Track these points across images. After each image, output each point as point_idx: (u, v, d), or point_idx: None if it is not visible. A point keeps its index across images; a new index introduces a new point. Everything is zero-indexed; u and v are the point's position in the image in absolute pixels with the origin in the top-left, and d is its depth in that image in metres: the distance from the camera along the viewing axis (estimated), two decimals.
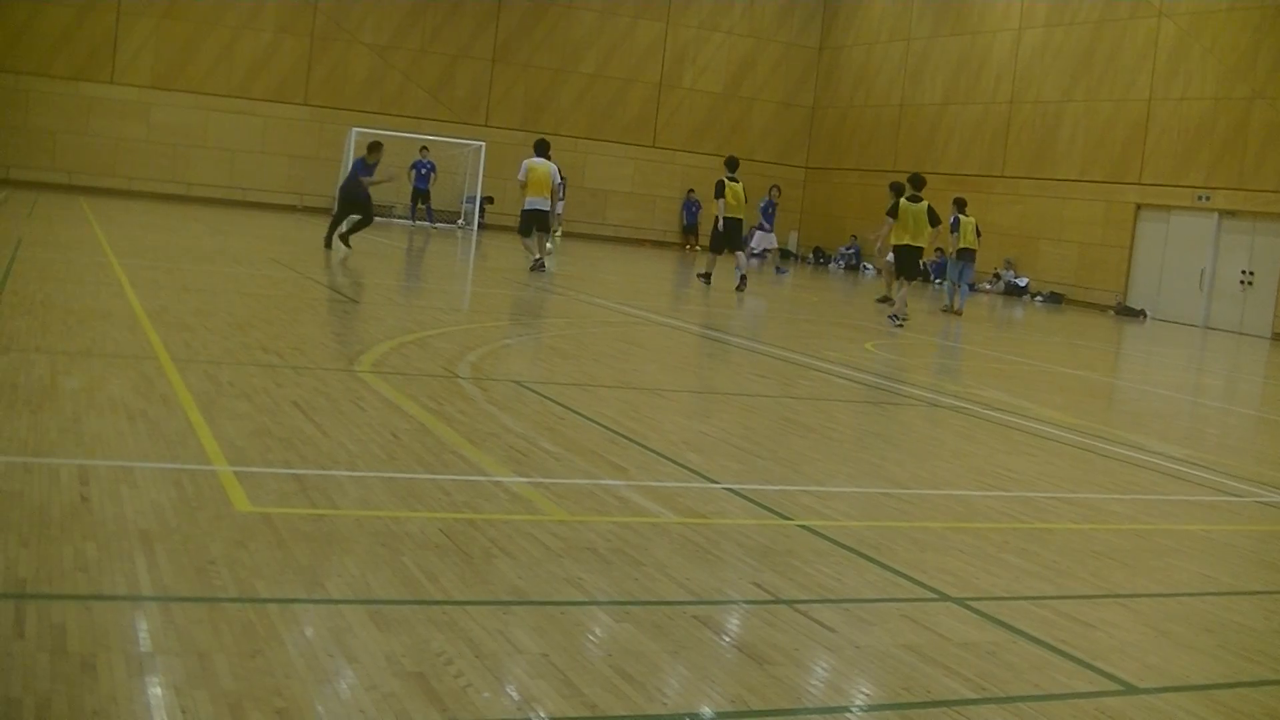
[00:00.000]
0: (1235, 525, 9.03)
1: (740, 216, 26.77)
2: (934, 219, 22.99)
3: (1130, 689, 5.10)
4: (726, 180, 26.50)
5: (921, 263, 25.48)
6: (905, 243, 22.96)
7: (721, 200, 26.41)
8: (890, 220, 23.11)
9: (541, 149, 25.87)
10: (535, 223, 25.37)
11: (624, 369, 13.30)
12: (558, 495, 7.25)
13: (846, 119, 47.49)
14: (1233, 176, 34.70)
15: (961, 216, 28.89)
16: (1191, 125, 35.85)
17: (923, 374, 16.48)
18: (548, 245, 27.17)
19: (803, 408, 12.21)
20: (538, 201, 25.39)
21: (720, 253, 26.82)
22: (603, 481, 7.65)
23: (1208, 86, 35.47)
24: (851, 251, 44.74)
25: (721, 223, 26.41)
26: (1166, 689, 5.15)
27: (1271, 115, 33.77)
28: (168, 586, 5.06)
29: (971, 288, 32.11)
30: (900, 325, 21.56)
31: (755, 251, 35.86)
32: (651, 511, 7.06)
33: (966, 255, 28.52)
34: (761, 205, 36.00)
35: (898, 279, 23.58)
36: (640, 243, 44.41)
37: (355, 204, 25.39)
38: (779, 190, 37.22)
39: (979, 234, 29.56)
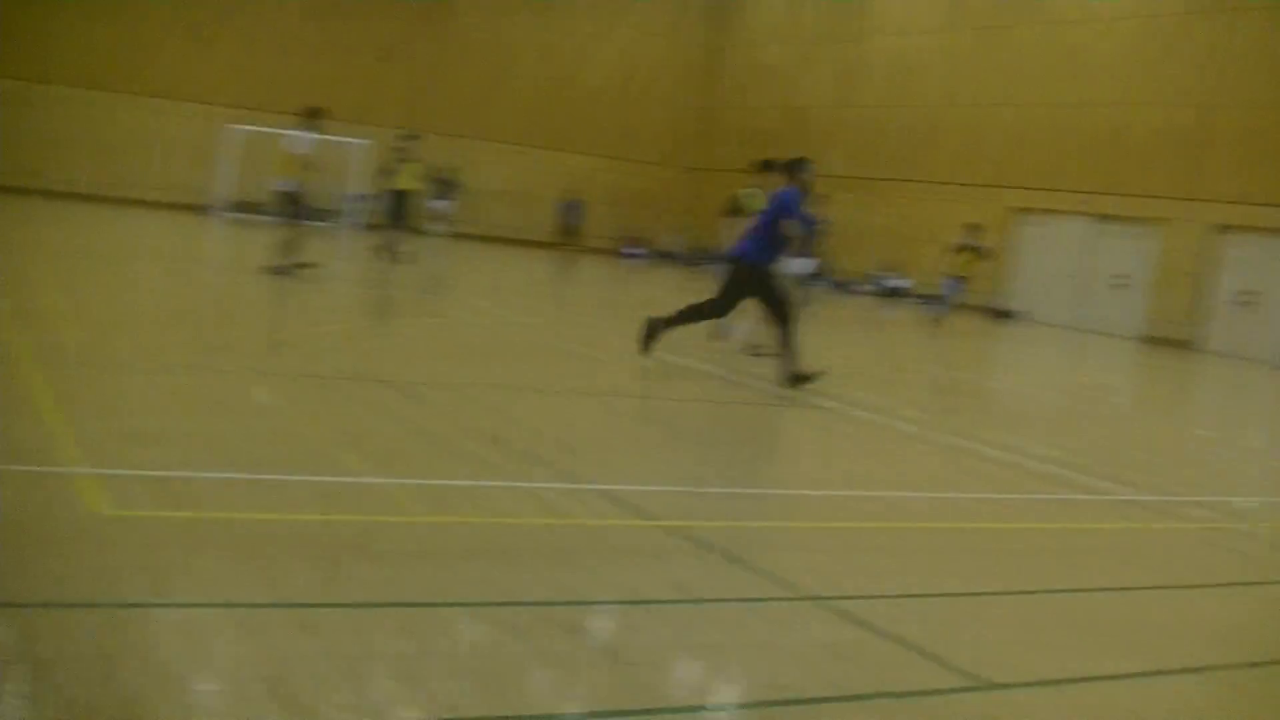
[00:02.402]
0: (1099, 523, 9.18)
1: None
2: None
3: (989, 685, 5.16)
4: None
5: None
6: None
7: None
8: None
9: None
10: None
11: (497, 368, 13.25)
12: (431, 496, 7.21)
13: (734, 121, 47.63)
14: (1111, 181, 35.25)
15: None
16: (1070, 130, 36.37)
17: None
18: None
19: (677, 409, 12.26)
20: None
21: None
22: (467, 482, 7.62)
23: (1089, 92, 36.00)
24: None
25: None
26: (1024, 684, 5.23)
27: (1153, 121, 34.34)
28: (14, 593, 4.95)
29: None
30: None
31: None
32: (517, 512, 7.05)
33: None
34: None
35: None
36: (522, 243, 44.20)
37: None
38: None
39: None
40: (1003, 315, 36.84)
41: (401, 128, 31.94)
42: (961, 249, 29.07)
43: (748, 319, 15.69)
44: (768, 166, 15.68)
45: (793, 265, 27.02)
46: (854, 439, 11.62)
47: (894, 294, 39.61)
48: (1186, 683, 5.57)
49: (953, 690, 5.07)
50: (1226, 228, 32.93)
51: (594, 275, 35.18)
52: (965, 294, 28.92)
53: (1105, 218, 35.46)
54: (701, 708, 4.64)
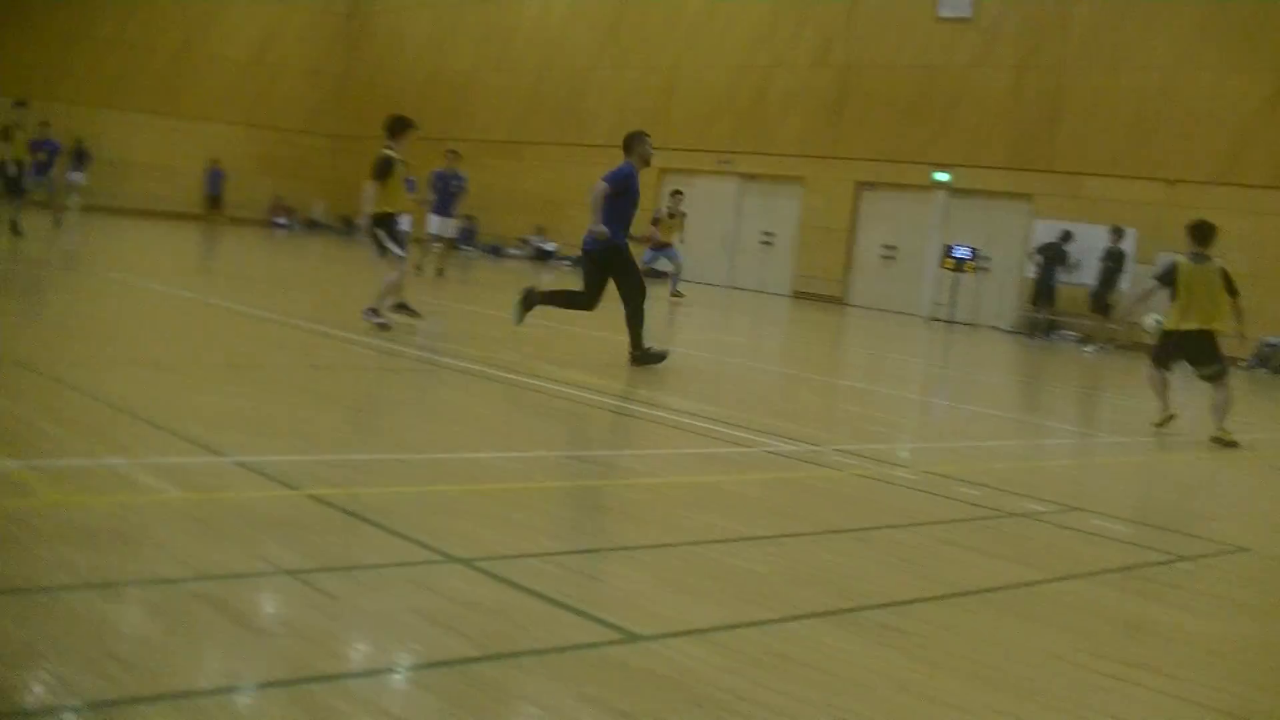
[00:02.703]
0: (744, 474, 9.36)
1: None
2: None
3: (633, 637, 5.19)
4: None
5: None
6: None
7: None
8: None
9: None
10: None
11: (134, 344, 12.85)
12: (53, 477, 6.91)
13: (376, 86, 47.15)
14: (753, 141, 36.06)
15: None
16: (714, 92, 37.05)
17: (442, 340, 16.52)
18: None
19: (320, 377, 12.07)
20: None
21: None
22: (104, 460, 7.34)
23: (730, 55, 36.70)
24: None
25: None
26: (669, 634, 5.27)
27: (789, 83, 35.21)
28: None
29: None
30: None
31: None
32: (154, 489, 6.82)
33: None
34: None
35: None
36: (165, 215, 42.93)
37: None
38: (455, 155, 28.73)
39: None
40: (654, 275, 37.32)
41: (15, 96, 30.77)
42: (672, 215, 28.75)
43: (394, 273, 15.43)
44: (399, 126, 15.42)
45: (431, 225, 26.97)
46: (501, 402, 11.62)
47: (545, 257, 39.82)
48: (828, 624, 5.71)
49: (602, 644, 5.09)
50: (866, 185, 34.04)
51: (240, 246, 34.42)
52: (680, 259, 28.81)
53: (750, 177, 36.29)
54: (345, 675, 4.55)
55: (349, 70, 48.29)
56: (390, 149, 15.63)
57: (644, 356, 14.63)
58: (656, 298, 25.55)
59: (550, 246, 40.05)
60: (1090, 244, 29.10)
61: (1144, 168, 29.14)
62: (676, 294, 28.19)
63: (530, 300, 15.31)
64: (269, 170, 45.69)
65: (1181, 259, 14.40)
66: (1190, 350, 14.40)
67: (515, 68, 42.89)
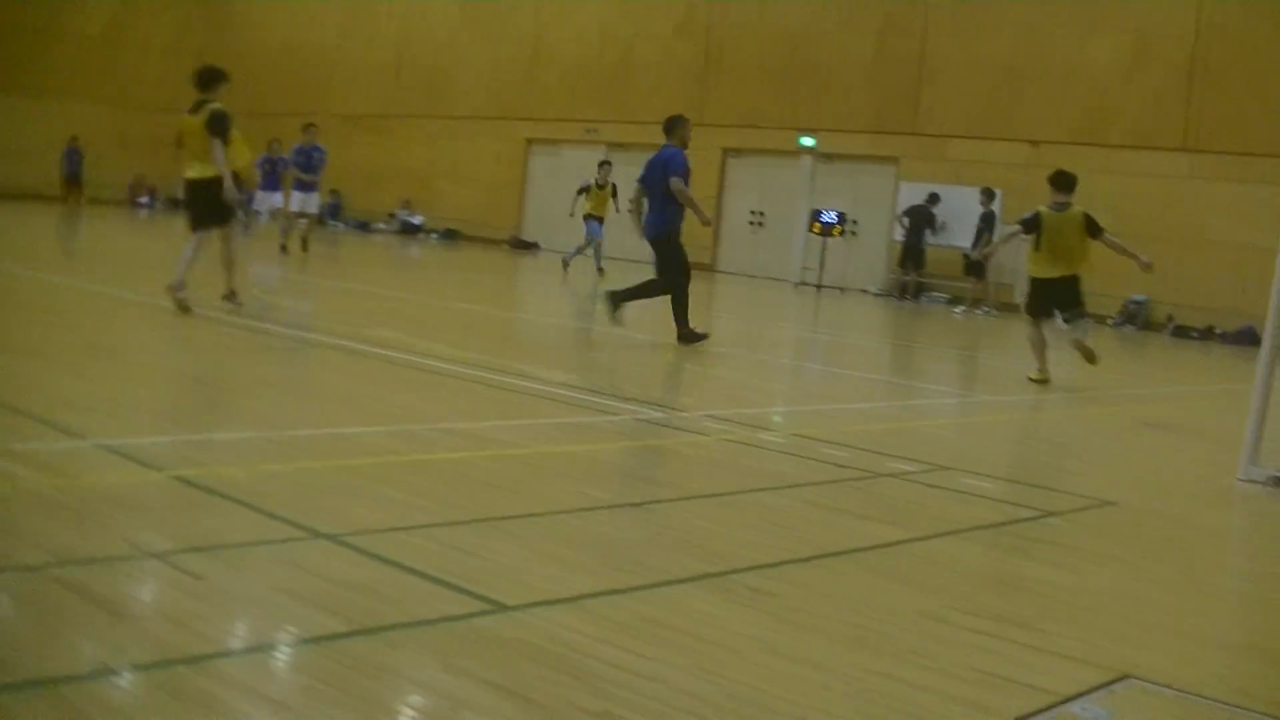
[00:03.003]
0: (613, 443, 9.39)
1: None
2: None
3: (503, 607, 5.19)
4: None
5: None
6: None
7: None
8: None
9: None
10: None
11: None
12: None
13: (238, 62, 46.48)
14: (619, 110, 36.04)
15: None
16: (579, 62, 36.98)
17: (312, 317, 16.38)
18: None
19: (187, 358, 11.92)
20: None
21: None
22: None
23: (594, 23, 36.64)
24: (246, 198, 43.81)
25: None
26: (539, 604, 5.27)
27: (654, 51, 35.22)
28: None
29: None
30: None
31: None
32: (15, 475, 6.68)
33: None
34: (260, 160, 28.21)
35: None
36: (20, 196, 41.99)
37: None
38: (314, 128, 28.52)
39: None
40: (522, 246, 37.30)
41: None
42: (601, 186, 28.31)
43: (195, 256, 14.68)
44: (217, 77, 14.53)
45: (293, 201, 26.82)
46: (370, 377, 11.54)
47: (412, 231, 39.60)
48: (697, 589, 5.73)
49: (472, 615, 5.08)
50: (733, 151, 34.16)
51: (100, 226, 33.86)
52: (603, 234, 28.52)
53: (618, 146, 36.27)
54: (220, 655, 4.50)
55: (209, 46, 47.52)
56: (213, 102, 14.43)
57: (690, 335, 15.52)
58: (753, 297, 25.54)
59: (418, 220, 39.82)
60: (957, 206, 29.44)
61: (1008, 129, 29.52)
62: (599, 269, 28.15)
63: (618, 299, 15.91)
64: (129, 149, 44.88)
65: (1044, 208, 15.03)
66: (1059, 296, 15.09)
67: (378, 42, 42.54)
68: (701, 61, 34.56)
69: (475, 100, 39.61)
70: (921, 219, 29.86)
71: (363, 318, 15.49)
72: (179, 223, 16.10)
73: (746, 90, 33.68)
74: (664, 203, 15.87)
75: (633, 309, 16.37)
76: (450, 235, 38.85)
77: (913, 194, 30.23)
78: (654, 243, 16.03)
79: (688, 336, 15.51)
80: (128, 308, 14.83)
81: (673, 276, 15.69)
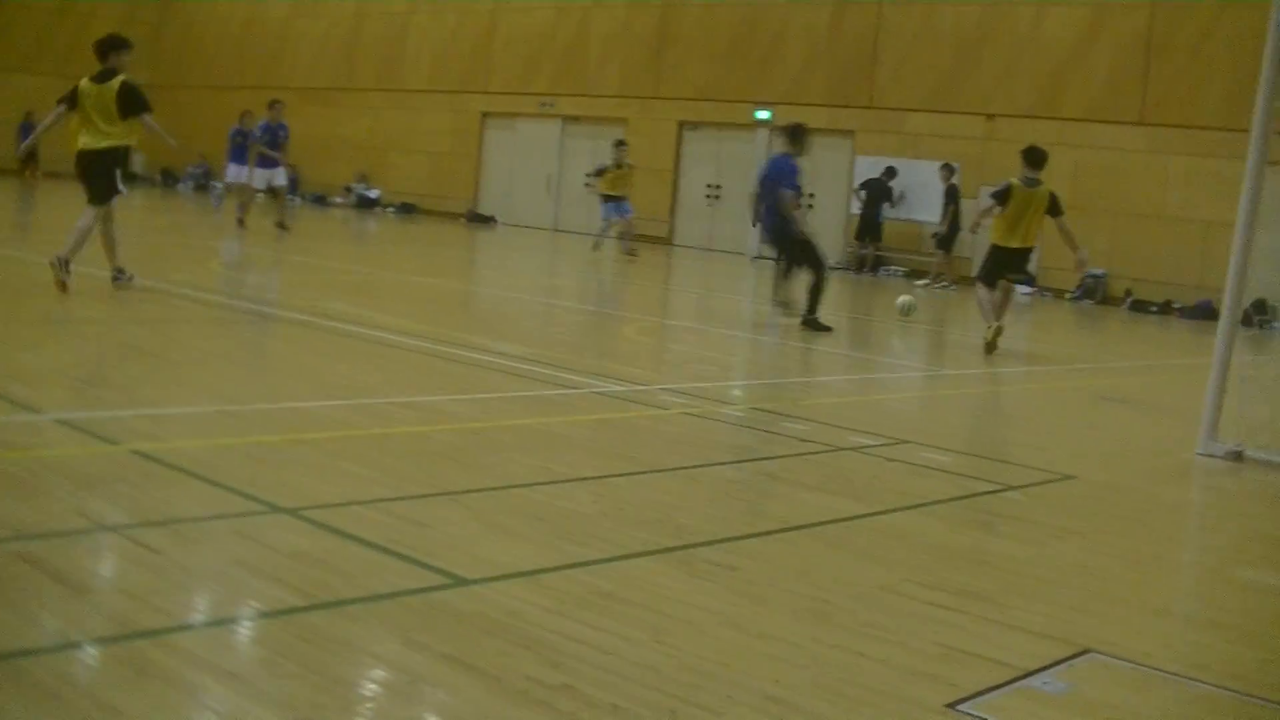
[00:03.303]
0: (571, 416, 9.36)
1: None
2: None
3: (460, 581, 5.18)
4: None
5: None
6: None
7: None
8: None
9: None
10: None
11: None
12: None
13: (191, 34, 46.25)
14: (575, 83, 35.94)
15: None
16: (534, 35, 36.84)
17: (268, 291, 16.30)
18: None
19: (142, 331, 11.84)
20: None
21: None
22: None
23: None
24: (201, 170, 43.64)
25: None
26: (496, 578, 5.26)
27: (609, 24, 35.12)
28: None
29: None
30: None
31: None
32: None
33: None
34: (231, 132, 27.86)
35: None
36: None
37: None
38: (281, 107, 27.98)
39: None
40: (479, 220, 37.22)
41: None
42: (619, 167, 27.82)
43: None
44: (112, 44, 13.88)
45: (258, 177, 26.57)
46: (327, 351, 11.50)
47: (369, 204, 39.44)
48: (656, 563, 5.73)
49: (424, 589, 5.06)
50: (689, 124, 34.11)
51: (56, 201, 33.54)
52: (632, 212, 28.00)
53: (573, 119, 36.19)
54: (169, 630, 4.47)
55: (164, 19, 47.24)
56: (120, 73, 13.72)
57: (815, 324, 16.15)
58: (711, 270, 25.56)
59: (374, 194, 39.66)
60: (913, 179, 29.48)
61: (964, 102, 29.55)
62: (631, 251, 27.80)
63: (811, 322, 16.32)
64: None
65: (1015, 181, 15.78)
66: (1013, 264, 15.99)
67: (332, 14, 42.28)
68: (657, 34, 34.50)
69: (429, 73, 39.45)
70: (879, 192, 29.88)
71: (320, 292, 15.42)
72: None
73: (702, 63, 33.64)
74: (772, 204, 16.69)
75: (589, 282, 16.29)
76: (407, 209, 38.74)
77: (869, 168, 30.25)
78: (783, 243, 16.88)
79: (813, 324, 16.22)
80: (80, 280, 14.71)
81: (818, 267, 16.53)
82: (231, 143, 27.37)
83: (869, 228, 30.27)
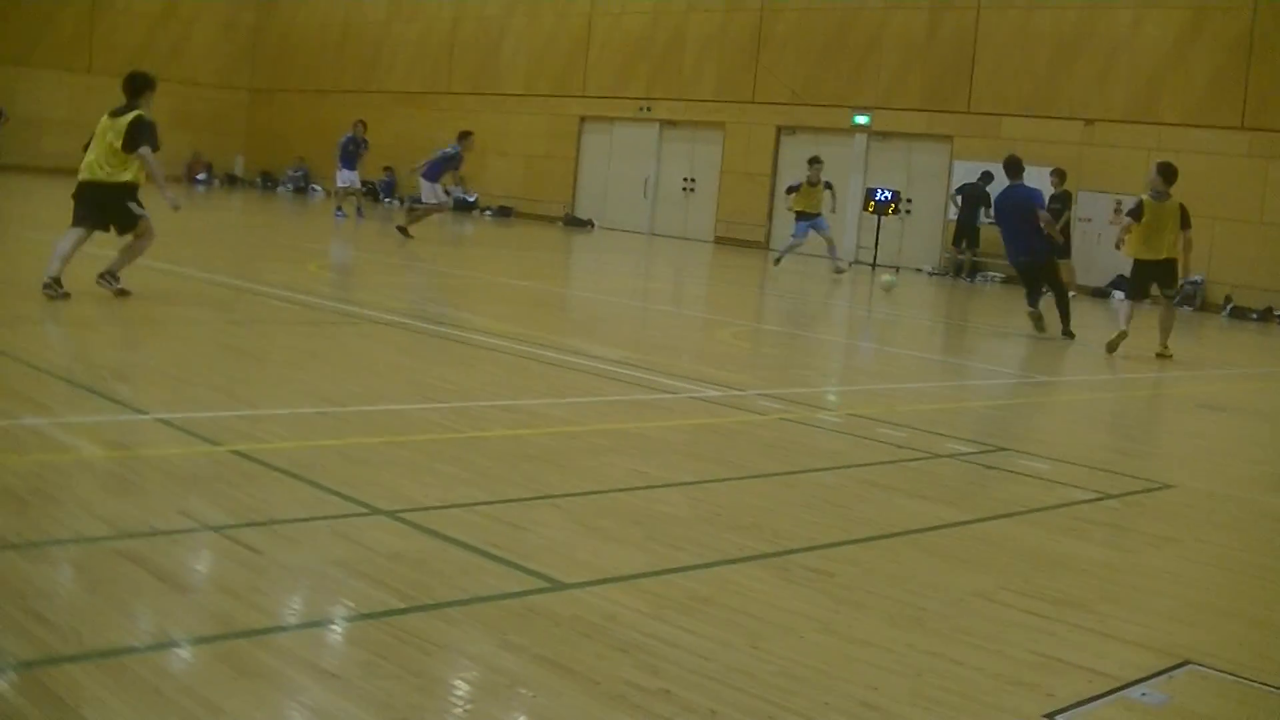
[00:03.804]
0: (668, 421, 9.36)
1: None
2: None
3: (557, 585, 5.20)
4: None
5: None
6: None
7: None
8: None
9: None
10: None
11: (52, 303, 12.67)
12: None
13: (289, 39, 46.70)
14: (671, 87, 35.94)
15: None
16: (631, 38, 36.87)
17: (367, 293, 16.41)
18: None
19: (241, 332, 11.98)
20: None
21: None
22: (23, 420, 7.25)
23: (645, 0, 36.53)
24: (300, 174, 44.09)
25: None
26: (593, 582, 5.28)
27: (705, 27, 35.09)
28: None
29: None
30: None
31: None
32: (74, 447, 6.76)
33: None
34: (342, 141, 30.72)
35: None
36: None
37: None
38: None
39: None
40: (576, 223, 37.31)
41: None
42: (813, 185, 26.99)
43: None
44: (140, 84, 13.70)
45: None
46: (424, 353, 11.57)
47: (467, 208, 39.62)
48: (753, 568, 5.73)
49: (523, 593, 5.09)
50: (787, 129, 34.00)
51: (158, 203, 34.00)
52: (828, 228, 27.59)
53: (670, 123, 36.19)
54: (277, 629, 4.53)
55: (262, 23, 47.73)
56: (138, 109, 13.47)
57: (1070, 333, 17.60)
58: (808, 274, 25.54)
59: (471, 198, 39.85)
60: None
61: (1061, 107, 29.26)
62: (838, 269, 27.60)
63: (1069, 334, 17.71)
64: (185, 126, 44.96)
65: (1146, 196, 16.33)
66: (1160, 276, 16.46)
67: (429, 18, 42.51)
68: (754, 38, 34.41)
69: (525, 76, 39.57)
70: (976, 198, 29.64)
71: (417, 294, 15.51)
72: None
73: (799, 67, 33.51)
74: (1033, 233, 17.75)
75: (687, 286, 16.27)
76: (504, 212, 38.89)
77: (967, 172, 30.01)
78: (1036, 267, 17.93)
79: (1071, 334, 17.68)
80: (175, 280, 14.90)
81: (1063, 286, 18.16)
82: (343, 150, 29.31)
83: (966, 233, 30.02)
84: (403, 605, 4.80)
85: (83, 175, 13.23)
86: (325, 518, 5.87)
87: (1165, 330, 16.38)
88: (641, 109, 36.61)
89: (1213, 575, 6.52)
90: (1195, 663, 5.01)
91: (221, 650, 4.27)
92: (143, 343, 10.70)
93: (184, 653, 4.25)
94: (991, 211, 29.52)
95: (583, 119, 38.18)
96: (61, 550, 5.17)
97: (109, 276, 13.09)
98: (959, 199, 29.90)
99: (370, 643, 4.46)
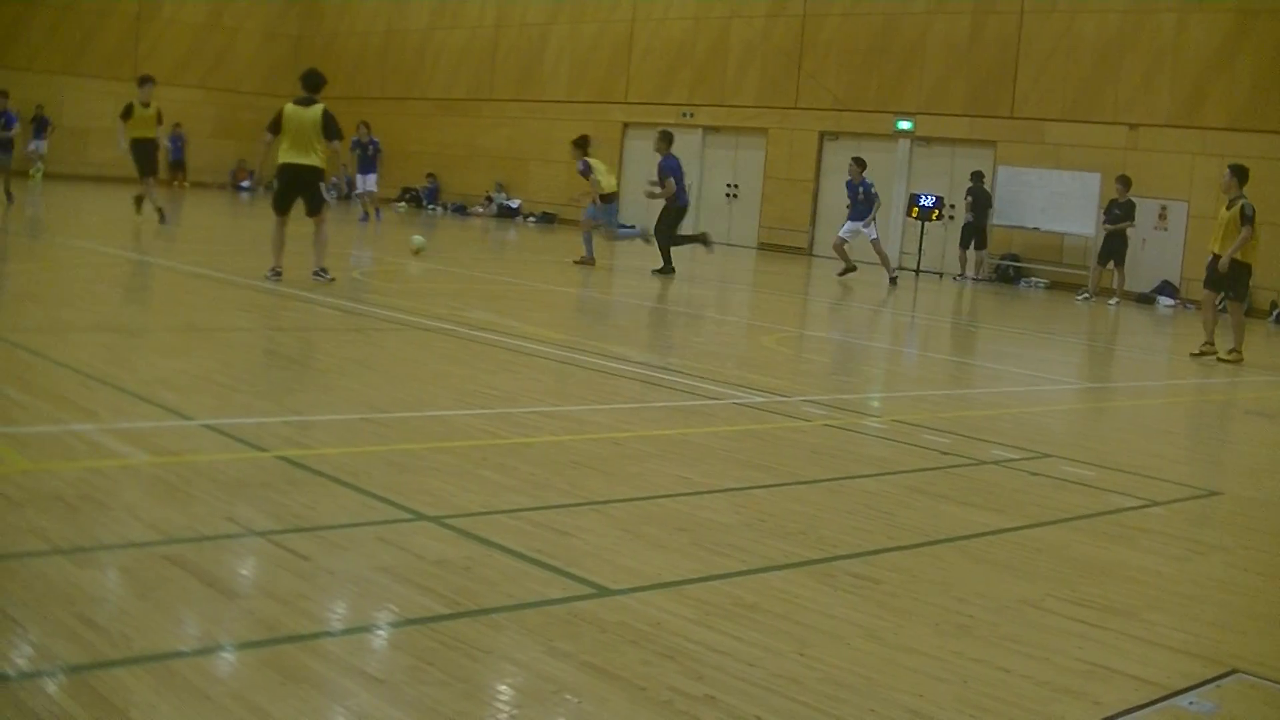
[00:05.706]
0: (711, 427, 9.36)
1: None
2: (331, 131, 15.78)
3: (603, 591, 5.21)
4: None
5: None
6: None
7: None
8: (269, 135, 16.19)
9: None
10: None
11: (100, 311, 12.77)
12: (21, 444, 6.88)
13: (332, 47, 46.87)
14: (713, 93, 35.92)
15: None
16: (673, 45, 36.88)
17: (408, 299, 16.44)
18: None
19: (285, 339, 12.03)
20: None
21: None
22: (71, 427, 7.30)
23: (687, 6, 36.52)
24: (346, 181, 44.15)
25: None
26: (639, 588, 5.29)
27: (748, 33, 35.06)
28: None
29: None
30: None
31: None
32: (122, 454, 6.80)
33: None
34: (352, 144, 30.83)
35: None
36: (125, 181, 42.28)
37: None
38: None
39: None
40: (622, 229, 37.27)
41: None
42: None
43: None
44: (318, 81, 16.06)
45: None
46: (467, 359, 11.59)
47: (510, 214, 39.69)
48: (798, 575, 5.72)
49: (569, 599, 5.10)
50: (830, 134, 33.94)
51: (203, 210, 34.22)
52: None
53: (713, 129, 36.17)
54: (316, 635, 4.54)
55: (305, 32, 47.93)
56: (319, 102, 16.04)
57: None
58: (857, 280, 25.55)
59: (515, 204, 39.92)
60: (1055, 190, 29.06)
61: (1105, 112, 29.11)
62: (892, 279, 27.50)
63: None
64: (229, 134, 45.23)
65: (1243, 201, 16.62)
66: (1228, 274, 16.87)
67: (471, 25, 42.61)
68: (796, 44, 34.37)
69: (568, 83, 39.63)
70: (984, 198, 29.62)
71: (461, 300, 15.52)
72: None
73: (841, 73, 33.45)
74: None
75: (729, 291, 16.22)
76: (547, 219, 38.95)
77: (1010, 178, 29.90)
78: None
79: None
80: (223, 288, 14.97)
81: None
82: (355, 154, 30.03)
83: (973, 234, 29.93)
84: (448, 611, 4.81)
85: (283, 159, 15.73)
86: (371, 523, 5.88)
87: (1238, 333, 16.89)
88: (684, 115, 36.60)
89: (1261, 583, 6.48)
90: (1243, 671, 4.98)
91: (268, 655, 4.29)
92: (189, 349, 10.74)
93: (231, 657, 4.28)
94: (991, 208, 29.52)
95: (625, 125, 38.19)
96: (110, 555, 5.20)
97: (321, 271, 15.61)
98: (969, 199, 29.84)
99: (416, 648, 4.47)
